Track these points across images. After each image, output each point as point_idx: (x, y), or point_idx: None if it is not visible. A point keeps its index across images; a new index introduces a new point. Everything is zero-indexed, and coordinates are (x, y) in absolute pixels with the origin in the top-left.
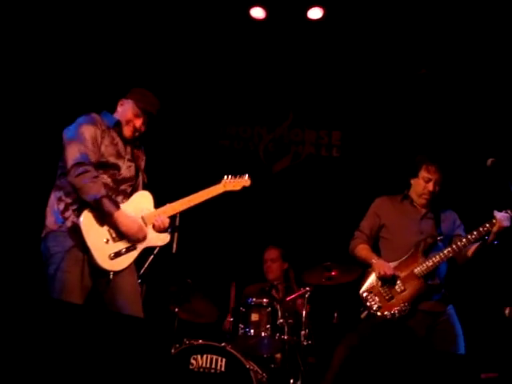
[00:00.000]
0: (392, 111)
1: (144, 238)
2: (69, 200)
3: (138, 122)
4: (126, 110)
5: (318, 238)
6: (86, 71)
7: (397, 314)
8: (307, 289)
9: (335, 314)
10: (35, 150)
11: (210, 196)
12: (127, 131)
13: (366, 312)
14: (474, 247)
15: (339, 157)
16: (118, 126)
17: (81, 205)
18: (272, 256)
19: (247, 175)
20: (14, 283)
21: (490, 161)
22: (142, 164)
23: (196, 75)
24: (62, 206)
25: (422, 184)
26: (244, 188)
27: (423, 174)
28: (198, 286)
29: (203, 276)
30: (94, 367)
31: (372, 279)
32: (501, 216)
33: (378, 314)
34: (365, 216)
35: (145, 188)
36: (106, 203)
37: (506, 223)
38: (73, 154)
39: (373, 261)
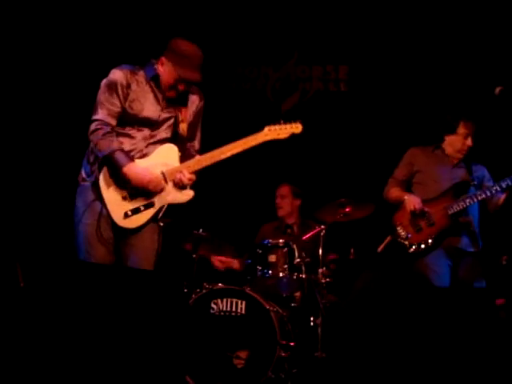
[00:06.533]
0: (397, 41)
1: (158, 191)
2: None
3: (181, 87)
4: (166, 72)
5: (331, 174)
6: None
7: (422, 245)
8: (322, 227)
9: (351, 250)
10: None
11: (247, 146)
12: (171, 93)
13: (388, 239)
14: (504, 195)
15: (347, 91)
16: (155, 79)
17: (105, 161)
18: (282, 192)
19: (299, 121)
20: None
21: (498, 89)
22: (188, 114)
23: (199, 19)
24: (91, 158)
25: (461, 140)
26: (293, 135)
27: (462, 129)
28: (215, 230)
29: (221, 220)
30: (110, 321)
31: (404, 212)
32: None
33: (406, 242)
34: (398, 165)
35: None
36: (117, 158)
37: None
38: (94, 109)
39: (405, 197)
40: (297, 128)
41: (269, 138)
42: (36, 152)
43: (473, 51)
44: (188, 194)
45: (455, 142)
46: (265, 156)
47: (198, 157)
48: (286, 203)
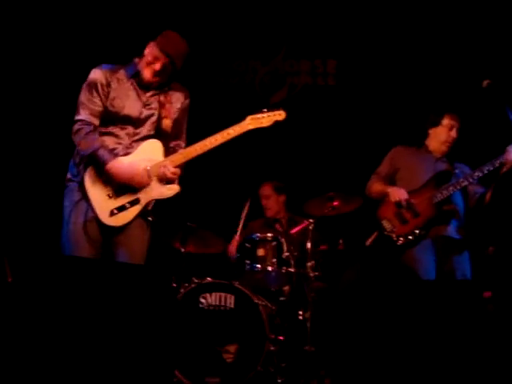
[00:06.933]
0: (384, 36)
1: (143, 186)
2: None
3: (158, 65)
4: (148, 53)
5: (319, 168)
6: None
7: (410, 237)
8: (310, 221)
9: (340, 241)
10: None
11: (230, 137)
12: (147, 74)
13: (376, 234)
14: (489, 192)
15: (335, 85)
16: (136, 76)
17: (89, 160)
18: (265, 192)
19: (281, 108)
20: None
21: (485, 82)
22: (172, 111)
23: (188, 13)
24: (77, 159)
25: (446, 131)
26: (277, 123)
27: (447, 121)
28: (202, 224)
29: (207, 213)
30: (98, 316)
31: (388, 205)
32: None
33: (393, 235)
34: (381, 162)
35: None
36: (99, 155)
37: None
38: (76, 110)
39: (388, 189)
40: (280, 115)
41: (252, 126)
42: (23, 149)
43: (461, 45)
44: (173, 189)
45: (440, 134)
46: (253, 150)
47: (181, 150)
48: (272, 203)
